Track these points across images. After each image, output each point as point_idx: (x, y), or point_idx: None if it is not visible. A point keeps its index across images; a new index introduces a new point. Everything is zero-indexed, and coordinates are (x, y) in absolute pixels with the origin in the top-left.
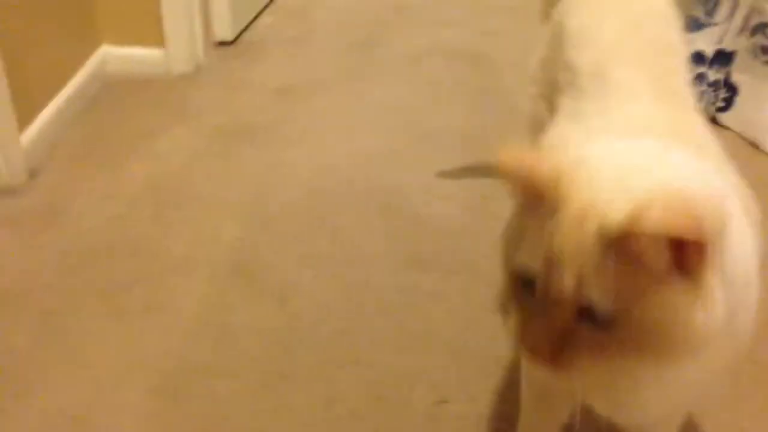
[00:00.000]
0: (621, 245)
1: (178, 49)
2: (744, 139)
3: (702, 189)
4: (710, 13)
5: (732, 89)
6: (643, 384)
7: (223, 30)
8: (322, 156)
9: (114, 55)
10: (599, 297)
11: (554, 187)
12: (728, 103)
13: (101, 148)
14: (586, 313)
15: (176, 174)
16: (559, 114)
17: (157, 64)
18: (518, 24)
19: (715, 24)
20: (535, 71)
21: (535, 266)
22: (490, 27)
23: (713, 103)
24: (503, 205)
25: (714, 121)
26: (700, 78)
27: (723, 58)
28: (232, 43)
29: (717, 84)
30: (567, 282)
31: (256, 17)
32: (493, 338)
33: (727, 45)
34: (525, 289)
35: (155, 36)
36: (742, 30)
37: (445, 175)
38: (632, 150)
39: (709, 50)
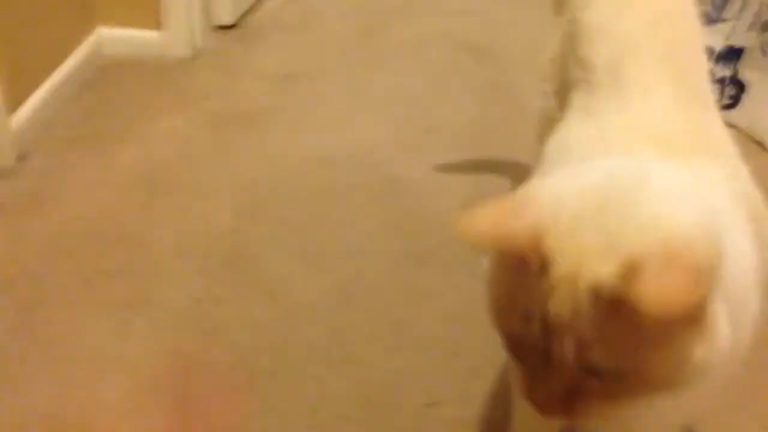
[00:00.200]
0: (616, 307)
1: (176, 31)
2: (750, 137)
3: (693, 230)
4: (720, 8)
5: (739, 86)
6: (644, 410)
7: (224, 13)
8: (321, 146)
9: (110, 37)
10: (601, 359)
11: (536, 248)
12: (735, 100)
13: (94, 133)
14: (590, 370)
15: (169, 161)
16: (571, 110)
17: (154, 46)
18: (529, 14)
19: (725, 20)
20: (547, 67)
21: (532, 331)
22: (499, 17)
23: (720, 101)
24: None
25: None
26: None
27: (731, 54)
28: (232, 27)
29: (724, 81)
30: (567, 349)
31: (258, 1)
32: (486, 339)
33: (736, 41)
34: (523, 348)
35: (153, 18)
36: (752, 26)
37: (445, 168)
38: (617, 179)
39: (718, 46)
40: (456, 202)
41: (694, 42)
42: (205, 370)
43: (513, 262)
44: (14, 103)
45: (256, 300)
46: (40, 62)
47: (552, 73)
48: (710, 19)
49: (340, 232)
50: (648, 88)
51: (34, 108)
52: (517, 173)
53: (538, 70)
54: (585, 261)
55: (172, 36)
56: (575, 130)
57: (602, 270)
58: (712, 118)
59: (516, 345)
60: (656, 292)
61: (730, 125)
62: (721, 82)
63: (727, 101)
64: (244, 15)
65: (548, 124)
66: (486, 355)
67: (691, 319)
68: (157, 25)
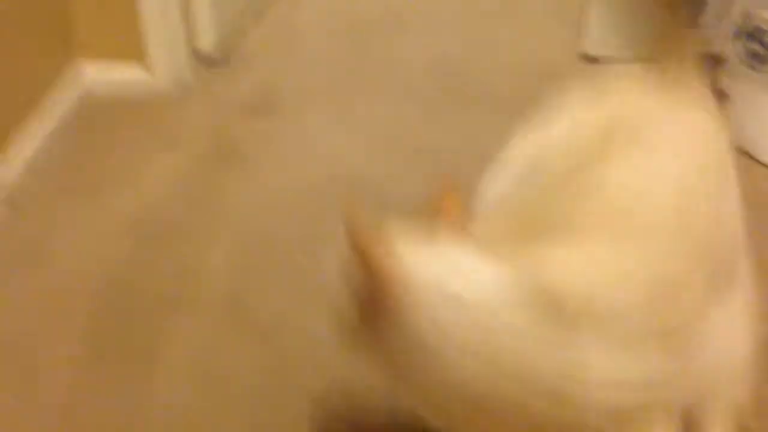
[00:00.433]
0: None
1: (159, 64)
2: (739, 148)
3: None
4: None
5: (721, 96)
6: None
7: (207, 43)
8: (311, 175)
9: (92, 73)
10: None
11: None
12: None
13: (83, 178)
14: None
15: (158, 204)
16: None
17: (137, 80)
18: (515, 32)
19: (705, 29)
20: None
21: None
22: (484, 35)
23: None
24: None
25: None
26: None
27: (711, 63)
28: (216, 56)
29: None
30: None
31: (241, 28)
32: None
33: (716, 49)
34: None
35: (135, 51)
36: (732, 35)
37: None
38: None
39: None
40: None
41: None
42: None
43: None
44: None
45: (252, 345)
46: (21, 103)
47: None
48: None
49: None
50: None
51: (20, 154)
52: None
53: None
54: None
55: (156, 69)
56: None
57: None
58: None
59: None
60: None
61: None
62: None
63: None
64: (228, 43)
65: None
66: None
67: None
68: (140, 57)
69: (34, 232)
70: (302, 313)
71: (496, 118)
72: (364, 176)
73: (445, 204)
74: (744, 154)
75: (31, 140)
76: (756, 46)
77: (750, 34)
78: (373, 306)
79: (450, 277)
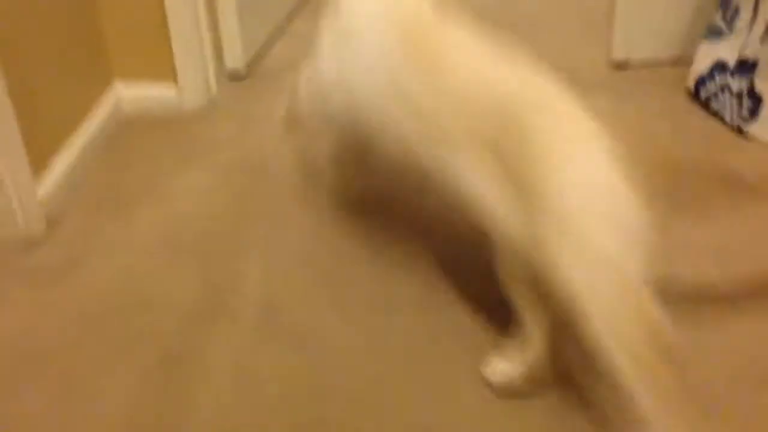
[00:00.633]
0: None
1: (189, 83)
2: None
3: None
4: (730, 20)
5: (756, 99)
6: None
7: (235, 61)
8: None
9: (126, 93)
10: None
11: None
12: (754, 113)
13: (117, 194)
14: None
15: (191, 218)
16: None
17: (168, 98)
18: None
19: (736, 32)
20: None
21: None
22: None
23: (738, 114)
24: None
25: (740, 131)
26: (724, 89)
27: (745, 66)
28: (244, 73)
29: (741, 94)
30: None
31: (268, 45)
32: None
33: (750, 53)
34: None
35: (167, 68)
36: (763, 38)
37: None
38: None
39: (732, 59)
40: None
41: None
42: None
43: None
44: (39, 169)
45: (288, 353)
46: (60, 125)
47: None
48: (722, 32)
49: (369, 281)
50: None
51: (59, 172)
52: None
53: None
54: None
55: (186, 88)
56: None
57: None
58: None
59: None
60: None
61: (753, 139)
62: (738, 95)
63: (745, 114)
64: (256, 59)
65: None
66: (523, 402)
67: None
68: (171, 75)
69: (69, 246)
70: (337, 324)
71: None
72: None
73: None
74: None
75: (67, 158)
76: None
77: None
78: None
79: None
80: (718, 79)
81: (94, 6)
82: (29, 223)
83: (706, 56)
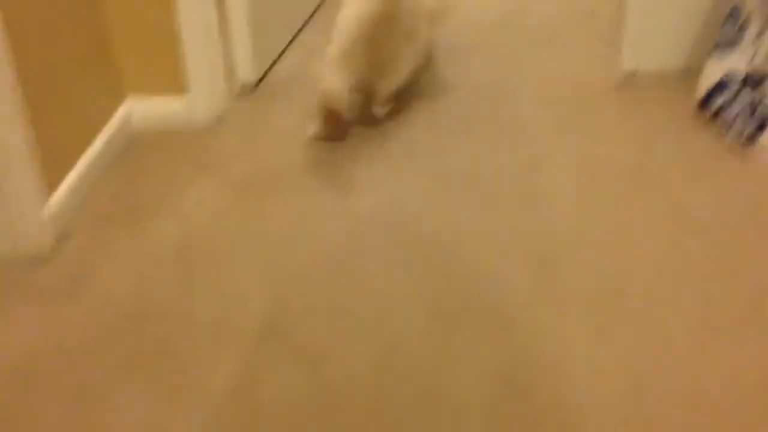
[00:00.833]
0: None
1: (200, 97)
2: None
3: None
4: (740, 33)
5: (765, 112)
6: None
7: (247, 74)
8: (348, 204)
9: (139, 108)
10: None
11: None
12: (762, 126)
13: (127, 208)
14: None
15: (202, 232)
16: None
17: (179, 112)
18: (554, 54)
19: (746, 45)
20: None
21: None
22: (525, 60)
23: (750, 125)
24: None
25: (749, 144)
26: (734, 99)
27: (756, 78)
28: (255, 86)
29: (754, 104)
30: None
31: (279, 57)
32: (529, 396)
33: (759, 66)
34: None
35: (178, 85)
36: None
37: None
38: None
39: (741, 72)
40: (485, 255)
41: None
42: None
43: None
44: (51, 185)
45: (295, 374)
46: (74, 139)
47: None
48: (733, 43)
49: (373, 294)
50: None
51: (71, 187)
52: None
53: None
54: None
55: (198, 102)
56: None
57: None
58: None
59: None
60: None
61: (759, 150)
62: (750, 105)
63: (756, 124)
64: (267, 73)
65: None
66: (529, 419)
67: None
68: (183, 90)
69: (80, 260)
70: (343, 343)
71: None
72: (402, 204)
73: None
74: None
75: (79, 173)
76: None
77: None
78: None
79: None
80: (727, 91)
81: (107, 23)
82: (40, 238)
83: (715, 68)
